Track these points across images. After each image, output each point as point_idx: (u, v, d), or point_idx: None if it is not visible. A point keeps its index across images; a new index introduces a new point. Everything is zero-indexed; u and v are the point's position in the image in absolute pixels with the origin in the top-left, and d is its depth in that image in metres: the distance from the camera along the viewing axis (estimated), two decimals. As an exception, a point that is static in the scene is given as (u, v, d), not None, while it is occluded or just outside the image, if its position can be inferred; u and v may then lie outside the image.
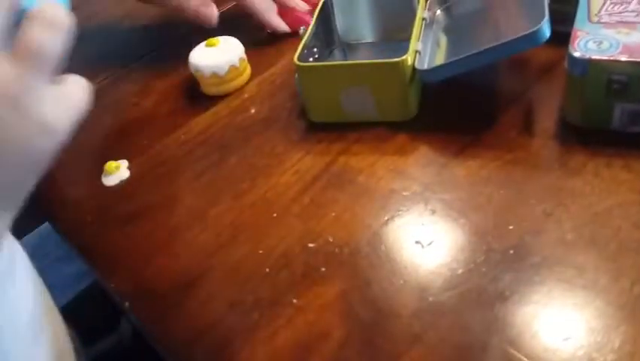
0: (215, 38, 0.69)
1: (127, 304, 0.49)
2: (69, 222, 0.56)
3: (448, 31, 0.64)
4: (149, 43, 0.83)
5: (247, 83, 0.69)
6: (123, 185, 0.60)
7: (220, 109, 0.67)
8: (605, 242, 0.43)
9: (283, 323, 0.44)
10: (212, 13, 0.70)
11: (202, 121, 0.66)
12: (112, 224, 0.56)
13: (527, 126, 0.54)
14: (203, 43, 0.69)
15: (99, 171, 0.62)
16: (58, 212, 0.55)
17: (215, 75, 0.66)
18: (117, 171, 0.61)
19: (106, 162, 0.62)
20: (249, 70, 0.70)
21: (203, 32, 0.83)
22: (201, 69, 0.66)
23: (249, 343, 0.44)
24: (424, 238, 0.48)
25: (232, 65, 0.67)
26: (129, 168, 0.62)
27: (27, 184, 0.36)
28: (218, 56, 0.67)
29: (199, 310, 0.47)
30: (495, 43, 0.51)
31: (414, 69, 0.56)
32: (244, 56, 0.68)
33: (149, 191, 0.59)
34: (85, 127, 0.69)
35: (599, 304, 0.40)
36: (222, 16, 0.73)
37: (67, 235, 0.56)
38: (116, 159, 0.62)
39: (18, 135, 0.34)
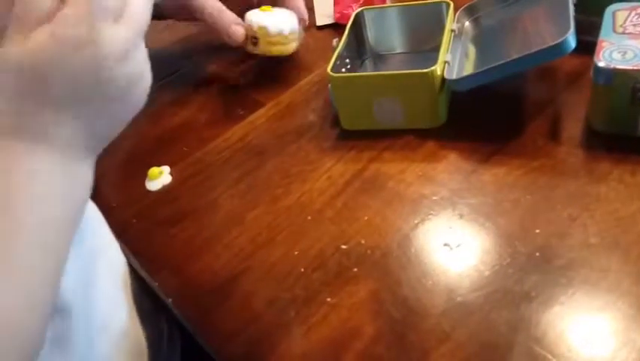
0: (268, 6, 0.73)
1: (171, 301, 0.52)
2: (116, 225, 0.59)
3: (476, 41, 0.66)
4: (186, 56, 0.87)
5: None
6: (166, 190, 0.64)
7: (257, 117, 0.70)
8: (628, 246, 0.45)
9: (318, 320, 0.47)
10: (242, 32, 0.72)
11: (239, 129, 0.69)
12: (156, 226, 0.60)
13: (554, 134, 0.56)
14: (257, 9, 0.73)
15: (143, 176, 0.65)
16: (106, 216, 0.59)
17: (279, 34, 0.70)
18: (160, 177, 0.65)
19: (149, 168, 0.66)
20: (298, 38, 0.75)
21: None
22: (267, 26, 0.70)
23: (285, 339, 0.46)
24: (452, 240, 0.50)
25: (293, 30, 0.72)
26: (171, 173, 0.65)
27: (119, 130, 0.40)
28: (279, 19, 0.71)
29: (238, 307, 0.50)
30: (522, 54, 0.53)
31: (443, 79, 0.58)
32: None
33: (190, 195, 0.62)
34: (129, 135, 0.74)
35: (622, 305, 0.42)
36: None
37: (114, 237, 0.59)
38: (158, 165, 0.66)
39: (136, 89, 0.39)
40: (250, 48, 0.73)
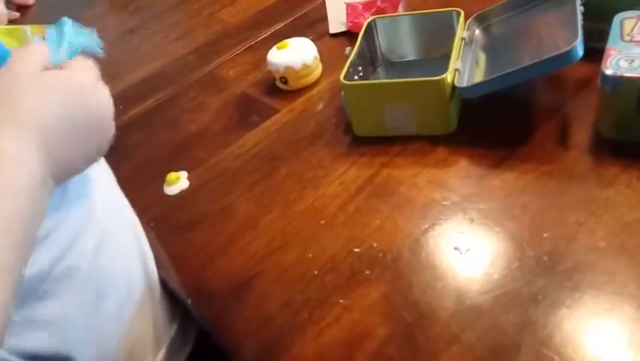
0: (283, 42, 0.77)
1: (190, 301, 0.54)
2: (135, 228, 0.61)
3: (486, 49, 0.67)
4: (202, 64, 0.90)
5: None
6: (183, 194, 0.66)
7: (271, 124, 0.72)
8: (634, 250, 0.46)
9: (330, 322, 0.48)
10: None
11: (254, 136, 0.71)
12: (174, 230, 0.62)
13: (562, 140, 0.57)
14: (275, 47, 0.77)
15: (161, 181, 0.67)
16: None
17: (305, 66, 0.75)
18: (178, 182, 0.67)
19: (167, 173, 0.68)
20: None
21: (254, 51, 0.89)
22: (292, 65, 0.74)
23: (299, 339, 0.48)
24: (462, 244, 0.51)
25: (315, 56, 0.76)
26: (189, 178, 0.67)
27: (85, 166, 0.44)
28: (299, 52, 0.75)
29: (254, 308, 0.51)
30: (531, 62, 0.54)
31: (453, 86, 0.60)
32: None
33: (207, 200, 0.64)
34: (147, 142, 0.76)
35: (628, 308, 0.43)
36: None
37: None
38: (176, 170, 0.68)
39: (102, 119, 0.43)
40: (281, 86, 0.77)
